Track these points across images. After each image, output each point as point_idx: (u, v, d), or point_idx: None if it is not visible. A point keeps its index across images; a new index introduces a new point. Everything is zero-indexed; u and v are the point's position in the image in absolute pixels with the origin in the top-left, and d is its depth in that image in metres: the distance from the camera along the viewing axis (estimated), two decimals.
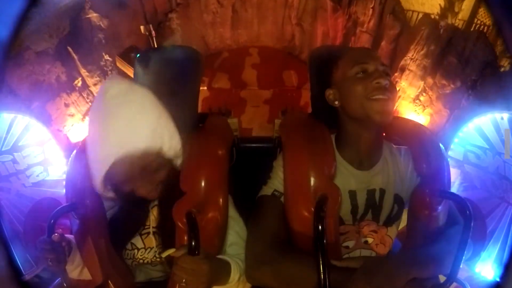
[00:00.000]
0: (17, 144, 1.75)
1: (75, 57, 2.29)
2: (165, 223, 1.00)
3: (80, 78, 2.37)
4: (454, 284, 0.90)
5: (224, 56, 3.61)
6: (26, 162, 1.79)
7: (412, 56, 2.46)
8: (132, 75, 2.42)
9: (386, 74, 0.96)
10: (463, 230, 0.87)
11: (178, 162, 0.96)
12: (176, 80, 1.12)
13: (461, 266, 0.85)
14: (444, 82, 2.28)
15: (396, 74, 2.61)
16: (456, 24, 2.19)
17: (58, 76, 2.18)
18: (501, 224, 1.69)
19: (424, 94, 2.47)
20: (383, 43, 2.68)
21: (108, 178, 0.89)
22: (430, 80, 2.39)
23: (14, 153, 1.75)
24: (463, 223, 0.91)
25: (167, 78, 1.12)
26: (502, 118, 1.65)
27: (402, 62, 2.54)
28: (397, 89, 2.65)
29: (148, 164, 0.89)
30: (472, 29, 2.15)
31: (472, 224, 0.86)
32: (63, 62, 2.19)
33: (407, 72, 2.54)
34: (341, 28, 3.01)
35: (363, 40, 2.84)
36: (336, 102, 1.01)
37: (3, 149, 1.72)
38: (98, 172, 0.88)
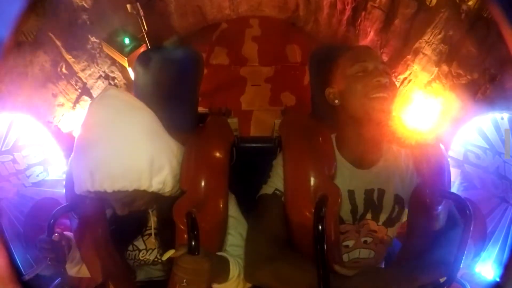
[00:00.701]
0: (17, 144, 1.74)
1: (58, 43, 2.09)
2: (164, 226, 1.00)
3: (64, 65, 2.19)
4: (454, 284, 0.90)
5: (223, 27, 3.36)
6: (26, 162, 1.78)
7: (428, 39, 2.24)
8: (118, 59, 2.33)
9: (386, 73, 0.95)
10: (463, 230, 0.87)
11: (168, 191, 0.93)
12: (176, 80, 1.12)
13: (461, 266, 0.86)
14: (460, 71, 2.10)
15: (408, 56, 2.42)
16: (470, 3, 1.93)
17: (42, 66, 2.02)
18: (501, 224, 1.69)
19: (437, 81, 2.29)
20: (396, 21, 2.43)
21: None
22: (445, 68, 2.20)
23: (14, 153, 1.74)
24: (463, 225, 0.91)
25: (167, 78, 1.11)
26: (502, 118, 1.64)
27: (417, 45, 2.33)
28: (409, 72, 2.46)
29: (122, 198, 0.86)
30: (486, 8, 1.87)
31: (472, 224, 0.86)
32: (46, 50, 2.02)
33: (421, 55, 2.34)
34: (350, 1, 2.73)
35: (374, 16, 2.57)
36: (336, 101, 1.01)
37: (3, 149, 1.71)
38: (75, 186, 0.87)
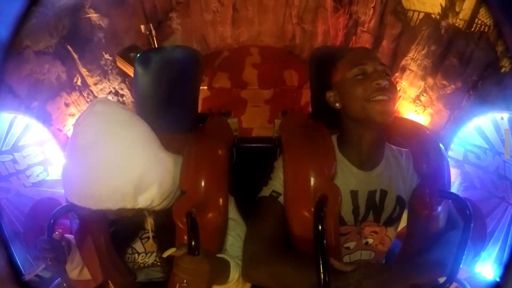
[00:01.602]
0: (17, 144, 1.75)
1: (75, 56, 2.27)
2: (162, 229, 1.00)
3: (79, 77, 2.36)
4: (454, 284, 0.90)
5: (225, 55, 3.60)
6: (26, 162, 1.79)
7: (413, 56, 2.46)
8: (130, 73, 2.43)
9: (385, 74, 0.95)
10: (463, 230, 0.87)
11: (157, 205, 0.90)
12: (176, 81, 1.12)
13: (461, 267, 0.86)
14: (444, 82, 2.28)
15: (396, 74, 2.61)
16: (457, 24, 2.19)
17: (58, 75, 2.17)
18: (501, 224, 1.69)
19: (424, 94, 2.46)
20: (384, 43, 2.68)
21: None
22: (430, 80, 2.38)
23: (14, 153, 1.75)
24: (463, 225, 0.91)
25: (167, 79, 1.11)
26: (502, 118, 1.65)
27: (403, 62, 2.54)
28: (398, 89, 2.66)
29: (108, 214, 0.86)
30: (473, 29, 2.14)
31: (472, 224, 0.86)
32: (63, 61, 2.18)
33: (407, 72, 2.54)
34: (342, 28, 3.01)
35: (364, 39, 2.84)
36: (337, 104, 1.01)
37: (3, 149, 1.71)
38: (65, 194, 0.87)
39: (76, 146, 0.80)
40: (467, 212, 0.87)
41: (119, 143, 0.81)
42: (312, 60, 1.18)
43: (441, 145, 1.04)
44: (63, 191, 1.02)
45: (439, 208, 0.97)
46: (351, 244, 1.01)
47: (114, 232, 1.01)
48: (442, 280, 0.89)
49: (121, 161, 0.80)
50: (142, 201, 0.85)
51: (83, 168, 0.79)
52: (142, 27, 2.34)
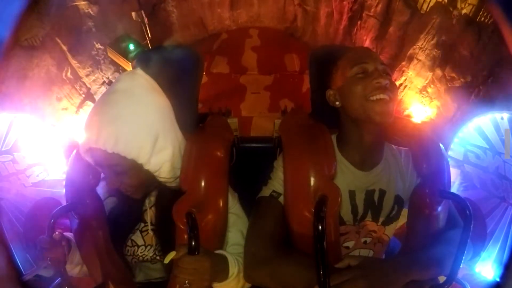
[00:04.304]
0: (17, 144, 1.75)
1: (64, 48, 2.17)
2: (162, 223, 1.01)
3: (70, 69, 2.27)
4: (454, 283, 0.90)
5: (223, 37, 3.46)
6: (26, 162, 1.78)
7: (422, 45, 2.32)
8: (122, 64, 2.37)
9: (386, 74, 0.95)
10: (463, 230, 0.87)
11: (163, 177, 0.95)
12: (176, 81, 1.12)
13: (461, 266, 0.85)
14: (453, 75, 2.16)
15: (403, 63, 2.49)
16: (465, 11, 2.01)
17: (47, 69, 2.09)
18: (501, 224, 1.68)
19: (432, 85, 2.35)
20: (391, 29, 2.52)
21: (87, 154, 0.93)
22: (439, 72, 2.26)
23: (14, 153, 1.74)
24: (463, 224, 0.91)
25: (167, 79, 1.11)
26: (502, 118, 1.64)
27: (411, 51, 2.41)
28: (404, 78, 2.53)
29: (113, 165, 0.89)
30: (481, 14, 1.96)
31: (472, 224, 0.86)
32: (52, 54, 2.09)
33: (415, 61, 2.41)
34: (346, 11, 2.83)
35: (370, 24, 2.68)
36: (337, 103, 1.01)
37: (3, 149, 1.71)
38: (82, 145, 0.91)
39: (112, 90, 0.90)
40: (467, 212, 0.87)
41: (149, 100, 0.91)
42: (312, 59, 1.17)
43: (441, 145, 1.04)
44: (64, 191, 1.03)
45: (439, 208, 0.97)
46: (350, 244, 1.01)
47: (114, 222, 1.01)
48: (442, 279, 0.89)
49: (147, 115, 0.89)
50: (153, 163, 0.90)
51: (113, 108, 0.86)
52: (133, 14, 2.20)
